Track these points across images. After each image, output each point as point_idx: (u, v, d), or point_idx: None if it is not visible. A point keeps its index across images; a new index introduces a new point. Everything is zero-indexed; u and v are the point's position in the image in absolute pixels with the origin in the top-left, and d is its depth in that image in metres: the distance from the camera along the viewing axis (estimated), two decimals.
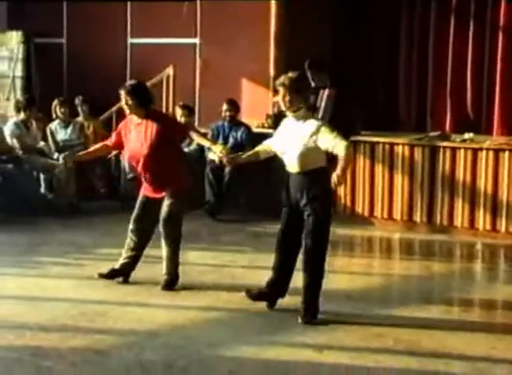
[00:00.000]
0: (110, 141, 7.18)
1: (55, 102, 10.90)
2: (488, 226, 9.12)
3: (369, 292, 7.07)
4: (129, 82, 7.04)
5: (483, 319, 6.45)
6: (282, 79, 6.11)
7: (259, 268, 7.55)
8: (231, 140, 10.18)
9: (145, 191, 7.03)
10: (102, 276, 7.02)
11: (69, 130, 10.90)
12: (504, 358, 5.47)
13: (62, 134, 10.87)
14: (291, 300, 6.41)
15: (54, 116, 10.92)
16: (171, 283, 6.89)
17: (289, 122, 6.23)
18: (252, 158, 6.62)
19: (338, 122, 8.46)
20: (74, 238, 8.78)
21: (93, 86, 11.48)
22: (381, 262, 8.64)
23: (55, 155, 10.60)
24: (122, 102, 6.88)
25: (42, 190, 10.55)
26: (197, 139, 7.41)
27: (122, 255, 7.08)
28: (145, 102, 6.85)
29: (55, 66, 12.15)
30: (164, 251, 6.93)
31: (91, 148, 7.67)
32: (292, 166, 6.13)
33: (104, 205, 10.48)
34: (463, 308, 6.75)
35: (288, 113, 6.19)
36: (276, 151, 6.31)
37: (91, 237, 8.85)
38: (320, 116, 8.43)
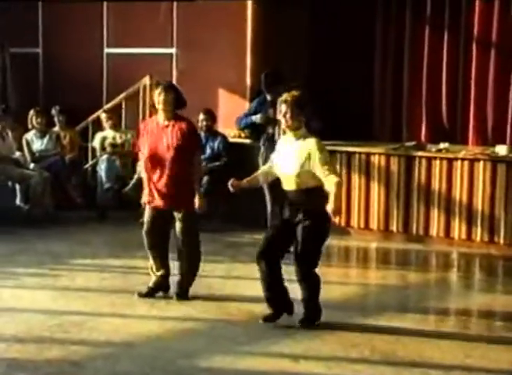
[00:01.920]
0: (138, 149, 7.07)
1: (32, 112, 10.86)
2: (463, 236, 9.17)
3: (346, 301, 7.09)
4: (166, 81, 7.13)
5: (458, 328, 6.47)
6: (285, 96, 6.19)
7: (236, 278, 7.58)
8: (208, 150, 10.18)
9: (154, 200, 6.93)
10: (141, 295, 6.93)
11: (45, 140, 10.86)
12: (479, 366, 5.51)
13: (38, 144, 10.82)
14: (267, 310, 6.42)
15: (30, 126, 10.87)
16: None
17: (288, 140, 6.29)
18: (254, 182, 6.65)
19: None
20: (50, 248, 8.74)
21: (69, 96, 11.45)
22: (357, 271, 8.67)
23: (31, 166, 10.57)
24: (160, 97, 6.76)
25: (18, 200, 10.49)
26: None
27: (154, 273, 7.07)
28: (180, 102, 6.87)
29: (30, 75, 12.11)
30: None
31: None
32: (289, 183, 6.19)
33: (81, 215, 10.44)
34: (438, 318, 6.78)
35: (288, 131, 6.25)
36: (277, 171, 6.34)
37: (67, 247, 8.82)
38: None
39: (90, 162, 11.17)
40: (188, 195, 6.85)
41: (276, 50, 10.22)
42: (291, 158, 6.17)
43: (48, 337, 5.93)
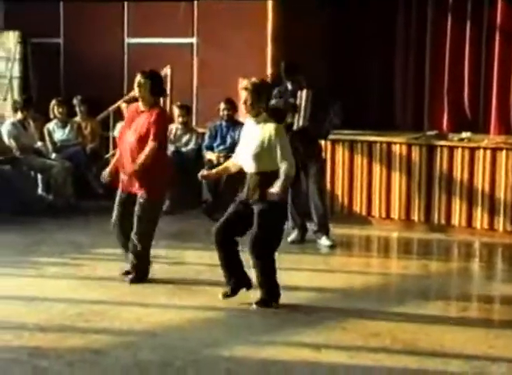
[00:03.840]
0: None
1: (53, 102, 10.91)
2: (485, 225, 9.12)
3: (367, 291, 7.07)
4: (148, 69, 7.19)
5: (481, 318, 6.45)
6: (245, 83, 6.41)
7: None
8: (229, 139, 10.17)
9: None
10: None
11: (67, 130, 10.90)
12: (502, 356, 5.48)
13: (59, 134, 10.87)
14: (290, 299, 6.42)
15: (51, 115, 10.92)
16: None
17: (250, 126, 6.49)
18: (225, 172, 6.95)
19: (317, 120, 8.50)
20: (72, 238, 8.77)
21: (90, 86, 11.46)
22: (378, 261, 8.64)
23: (53, 155, 10.61)
24: (135, 85, 6.95)
25: (39, 190, 10.54)
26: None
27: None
28: (157, 91, 7.01)
29: (52, 66, 12.13)
30: None
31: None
32: (248, 166, 6.40)
33: (102, 205, 10.44)
34: (460, 307, 6.75)
35: (249, 117, 6.46)
36: (239, 155, 6.56)
37: (89, 237, 8.85)
38: (301, 116, 8.51)
39: (111, 152, 11.19)
40: (146, 181, 6.93)
41: (297, 39, 10.18)
42: (252, 141, 6.37)
43: (70, 325, 5.95)
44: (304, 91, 8.54)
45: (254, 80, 6.42)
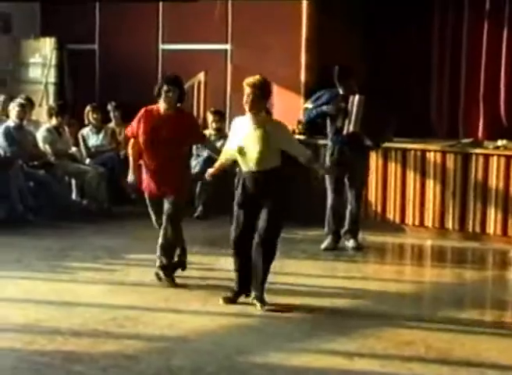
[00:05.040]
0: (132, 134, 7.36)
1: (88, 108, 10.99)
2: None
3: (400, 299, 7.02)
4: (170, 74, 7.36)
5: None
6: (251, 79, 6.43)
7: (288, 274, 7.55)
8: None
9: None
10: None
11: (101, 135, 10.97)
12: None
13: (93, 140, 10.94)
14: (324, 306, 6.39)
15: (86, 121, 10.99)
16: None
17: (246, 122, 6.48)
18: (221, 168, 6.91)
19: (369, 127, 8.47)
20: (105, 243, 8.81)
21: (124, 92, 11.53)
22: (412, 269, 8.58)
23: (87, 161, 10.68)
24: (163, 92, 7.02)
25: (74, 195, 10.60)
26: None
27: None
28: (183, 98, 7.17)
29: (87, 72, 12.22)
30: None
31: None
32: (252, 164, 6.41)
33: (135, 211, 10.48)
34: (496, 316, 6.69)
35: (249, 114, 6.44)
36: (235, 150, 6.52)
37: (122, 242, 8.88)
38: (352, 121, 8.50)
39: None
40: (177, 183, 7.08)
41: (331, 45, 10.16)
42: (254, 139, 6.38)
43: (103, 330, 5.97)
44: (357, 97, 8.53)
45: (258, 77, 6.45)
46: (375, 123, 8.44)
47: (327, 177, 8.68)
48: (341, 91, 8.71)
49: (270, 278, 7.44)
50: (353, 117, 8.50)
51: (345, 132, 8.56)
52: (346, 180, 8.67)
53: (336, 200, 8.67)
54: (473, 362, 5.46)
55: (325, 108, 8.84)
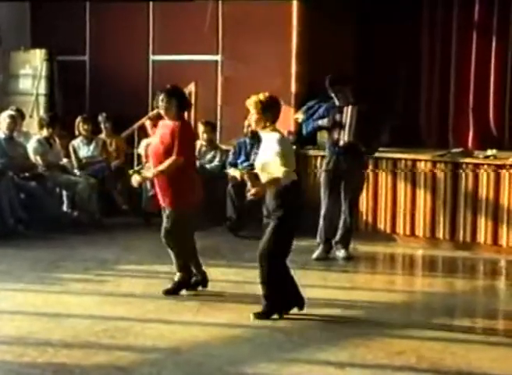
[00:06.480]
0: None
1: (78, 119, 10.98)
2: (511, 243, 9.04)
3: (392, 309, 7.03)
4: (169, 85, 7.35)
5: (507, 337, 6.37)
6: (252, 99, 6.54)
7: None
8: (253, 156, 10.17)
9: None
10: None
11: (92, 146, 10.96)
12: None
13: (84, 151, 10.92)
14: (315, 316, 6.40)
15: (77, 132, 10.98)
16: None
17: (261, 138, 6.65)
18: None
19: (364, 136, 8.51)
20: (96, 254, 8.80)
21: (115, 103, 11.52)
22: (403, 278, 8.59)
23: (78, 172, 10.67)
24: (160, 103, 7.10)
25: (64, 206, 10.59)
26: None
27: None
28: (183, 107, 7.20)
29: (77, 83, 12.21)
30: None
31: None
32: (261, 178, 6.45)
33: (126, 222, 10.50)
34: (486, 326, 6.70)
35: (258, 131, 6.61)
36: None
37: (113, 253, 8.87)
38: (347, 132, 8.54)
39: (136, 169, 11.21)
40: (172, 195, 7.04)
41: (321, 56, 10.18)
42: (260, 154, 6.55)
43: (95, 342, 5.96)
44: (350, 107, 8.57)
45: (260, 96, 6.52)
46: (369, 131, 8.50)
47: (322, 187, 8.72)
48: (337, 102, 8.74)
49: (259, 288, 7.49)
50: (347, 128, 8.55)
51: (341, 143, 8.59)
52: (341, 189, 8.69)
53: (330, 210, 8.69)
54: (464, 371, 5.47)
55: (320, 122, 8.90)
